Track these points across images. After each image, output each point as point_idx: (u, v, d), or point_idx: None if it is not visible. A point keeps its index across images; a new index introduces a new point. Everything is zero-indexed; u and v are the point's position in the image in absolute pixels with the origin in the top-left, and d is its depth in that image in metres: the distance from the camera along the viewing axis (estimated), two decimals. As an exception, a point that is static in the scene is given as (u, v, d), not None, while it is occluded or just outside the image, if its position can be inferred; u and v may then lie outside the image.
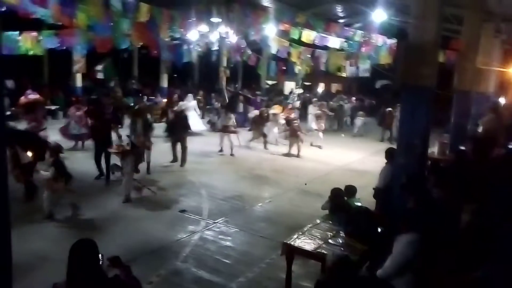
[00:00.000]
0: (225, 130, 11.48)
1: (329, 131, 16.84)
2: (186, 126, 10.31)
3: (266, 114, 12.86)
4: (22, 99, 10.75)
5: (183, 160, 9.87)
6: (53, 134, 11.20)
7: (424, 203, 4.07)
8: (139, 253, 5.29)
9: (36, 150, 7.05)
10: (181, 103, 13.54)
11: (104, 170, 8.38)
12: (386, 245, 3.71)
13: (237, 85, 21.18)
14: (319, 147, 12.97)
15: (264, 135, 12.60)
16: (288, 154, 11.75)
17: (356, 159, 11.87)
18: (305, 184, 8.53)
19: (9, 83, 17.19)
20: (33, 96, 10.76)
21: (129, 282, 2.66)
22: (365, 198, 5.96)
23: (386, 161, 6.17)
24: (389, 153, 6.13)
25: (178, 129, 9.96)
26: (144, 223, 6.39)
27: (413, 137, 5.13)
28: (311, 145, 12.86)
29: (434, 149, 8.92)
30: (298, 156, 11.57)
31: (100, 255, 2.62)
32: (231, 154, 11.31)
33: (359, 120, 16.74)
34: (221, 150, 11.53)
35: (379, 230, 4.50)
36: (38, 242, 5.24)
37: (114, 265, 2.68)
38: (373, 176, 6.35)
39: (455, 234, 3.68)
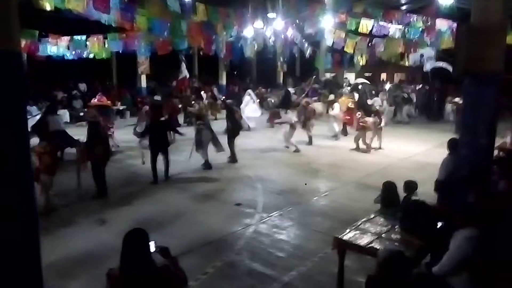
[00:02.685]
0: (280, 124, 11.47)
1: (393, 122, 16.25)
2: (237, 122, 10.38)
3: (305, 105, 12.34)
4: (93, 101, 11.64)
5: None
6: (122, 133, 12.00)
7: (486, 196, 3.78)
8: (196, 245, 5.48)
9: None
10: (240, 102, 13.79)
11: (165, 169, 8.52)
12: (447, 241, 3.50)
13: (290, 80, 21.05)
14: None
15: (306, 129, 12.12)
16: (349, 148, 11.50)
17: (420, 151, 11.30)
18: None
19: (82, 86, 18.60)
20: (102, 99, 11.63)
21: (176, 272, 2.77)
22: (427, 193, 5.67)
23: (448, 152, 5.82)
24: (452, 144, 5.77)
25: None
26: (202, 216, 6.60)
27: (477, 126, 4.76)
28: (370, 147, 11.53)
29: (507, 140, 8.26)
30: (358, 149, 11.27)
31: (152, 242, 2.76)
32: (286, 147, 11.35)
33: (449, 106, 16.32)
34: (287, 147, 11.47)
35: (439, 225, 4.26)
36: (108, 235, 5.62)
37: (163, 255, 2.80)
38: (437, 169, 6.00)
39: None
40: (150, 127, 8.57)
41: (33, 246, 3.09)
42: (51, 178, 6.60)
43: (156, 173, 8.30)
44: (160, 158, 8.41)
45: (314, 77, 14.42)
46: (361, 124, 11.24)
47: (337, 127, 12.96)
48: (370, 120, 11.23)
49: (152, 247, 2.76)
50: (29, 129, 11.63)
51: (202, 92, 18.38)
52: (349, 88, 16.63)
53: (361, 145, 11.34)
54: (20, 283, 2.97)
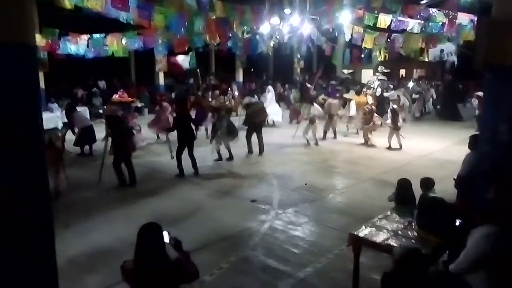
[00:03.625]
0: (311, 120, 11.32)
1: (412, 119, 15.97)
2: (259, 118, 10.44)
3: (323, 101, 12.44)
4: (115, 97, 11.86)
5: (261, 149, 10.25)
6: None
7: (506, 193, 3.67)
8: (211, 240, 5.52)
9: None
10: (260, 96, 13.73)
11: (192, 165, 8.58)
12: (464, 239, 3.43)
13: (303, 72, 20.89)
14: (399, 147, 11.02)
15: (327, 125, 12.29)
16: (364, 144, 11.39)
17: (439, 148, 11.09)
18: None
19: (101, 84, 18.89)
20: (124, 95, 11.87)
21: (188, 266, 2.79)
22: (447, 190, 5.56)
23: (470, 148, 5.69)
24: (473, 140, 5.63)
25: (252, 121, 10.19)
26: (218, 211, 6.64)
27: (499, 121, 4.62)
28: (389, 147, 11.03)
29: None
30: (368, 145, 11.24)
31: (166, 233, 2.78)
32: (316, 144, 11.37)
33: (475, 101, 15.95)
34: (316, 143, 11.47)
35: (457, 222, 4.17)
36: (126, 229, 5.53)
37: (176, 249, 2.82)
38: (457, 166, 5.86)
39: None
40: (176, 120, 8.76)
41: (48, 239, 3.13)
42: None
43: (182, 167, 8.41)
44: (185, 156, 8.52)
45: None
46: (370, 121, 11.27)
47: (347, 127, 12.97)
48: (378, 120, 11.33)
49: (166, 238, 2.78)
50: (58, 126, 12.13)
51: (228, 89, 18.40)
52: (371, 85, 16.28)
53: (364, 140, 11.47)
54: (35, 276, 3.01)
